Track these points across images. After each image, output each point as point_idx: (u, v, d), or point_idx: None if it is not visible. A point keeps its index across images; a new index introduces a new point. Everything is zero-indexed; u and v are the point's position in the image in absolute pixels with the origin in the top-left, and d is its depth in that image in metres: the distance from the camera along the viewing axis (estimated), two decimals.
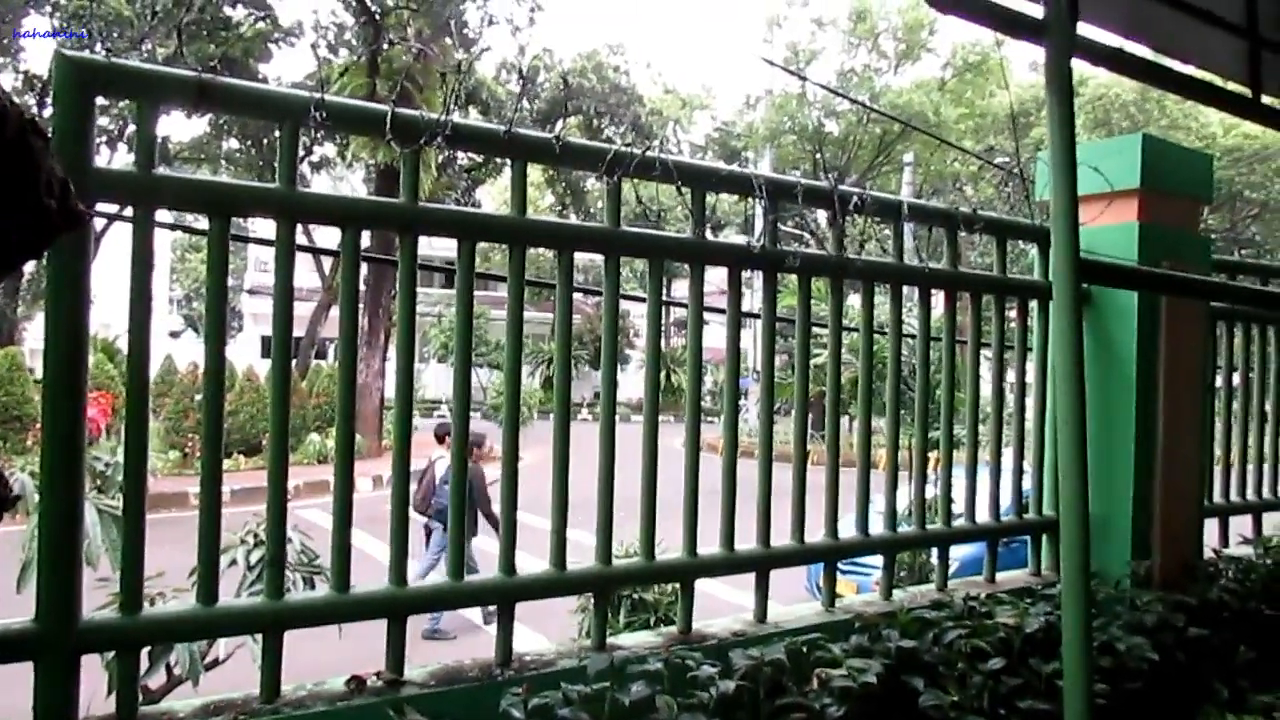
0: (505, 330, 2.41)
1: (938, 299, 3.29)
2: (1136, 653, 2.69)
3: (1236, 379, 4.46)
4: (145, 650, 2.19)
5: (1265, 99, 2.95)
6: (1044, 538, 3.54)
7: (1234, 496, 4.32)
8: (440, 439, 8.59)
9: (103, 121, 20.27)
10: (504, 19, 30.35)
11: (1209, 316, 3.95)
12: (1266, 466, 4.52)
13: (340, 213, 2.17)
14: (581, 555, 2.52)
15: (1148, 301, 3.46)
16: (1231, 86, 2.90)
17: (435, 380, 34.37)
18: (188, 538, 2.08)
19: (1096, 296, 3.52)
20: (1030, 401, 3.54)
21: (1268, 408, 4.55)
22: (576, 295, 2.60)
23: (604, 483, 2.50)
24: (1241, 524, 4.34)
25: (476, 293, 2.37)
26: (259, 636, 2.09)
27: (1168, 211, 3.58)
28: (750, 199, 2.70)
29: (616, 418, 2.49)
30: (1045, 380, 3.49)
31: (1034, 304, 3.54)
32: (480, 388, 31.87)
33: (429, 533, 8.69)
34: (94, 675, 2.08)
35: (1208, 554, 3.79)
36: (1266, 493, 4.49)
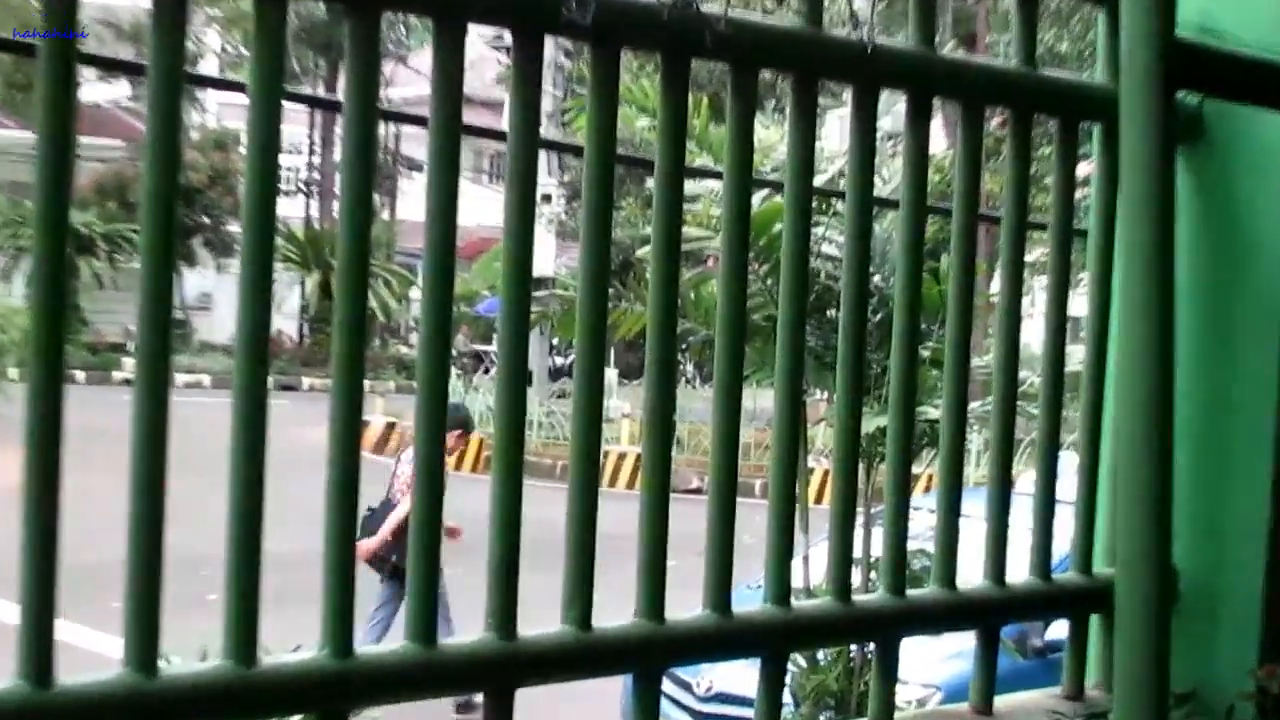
0: None
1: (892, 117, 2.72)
2: None
3: None
4: None
5: None
6: (1092, 621, 3.16)
7: None
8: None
9: None
10: None
11: None
12: None
13: None
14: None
15: None
16: None
17: None
18: None
19: (1216, 123, 3.05)
20: (1079, 350, 3.07)
21: None
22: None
23: (140, 521, 2.01)
24: None
25: None
26: None
27: None
28: None
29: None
30: (1105, 300, 3.08)
31: (1095, 133, 3.00)
32: None
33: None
34: None
35: None
36: None
